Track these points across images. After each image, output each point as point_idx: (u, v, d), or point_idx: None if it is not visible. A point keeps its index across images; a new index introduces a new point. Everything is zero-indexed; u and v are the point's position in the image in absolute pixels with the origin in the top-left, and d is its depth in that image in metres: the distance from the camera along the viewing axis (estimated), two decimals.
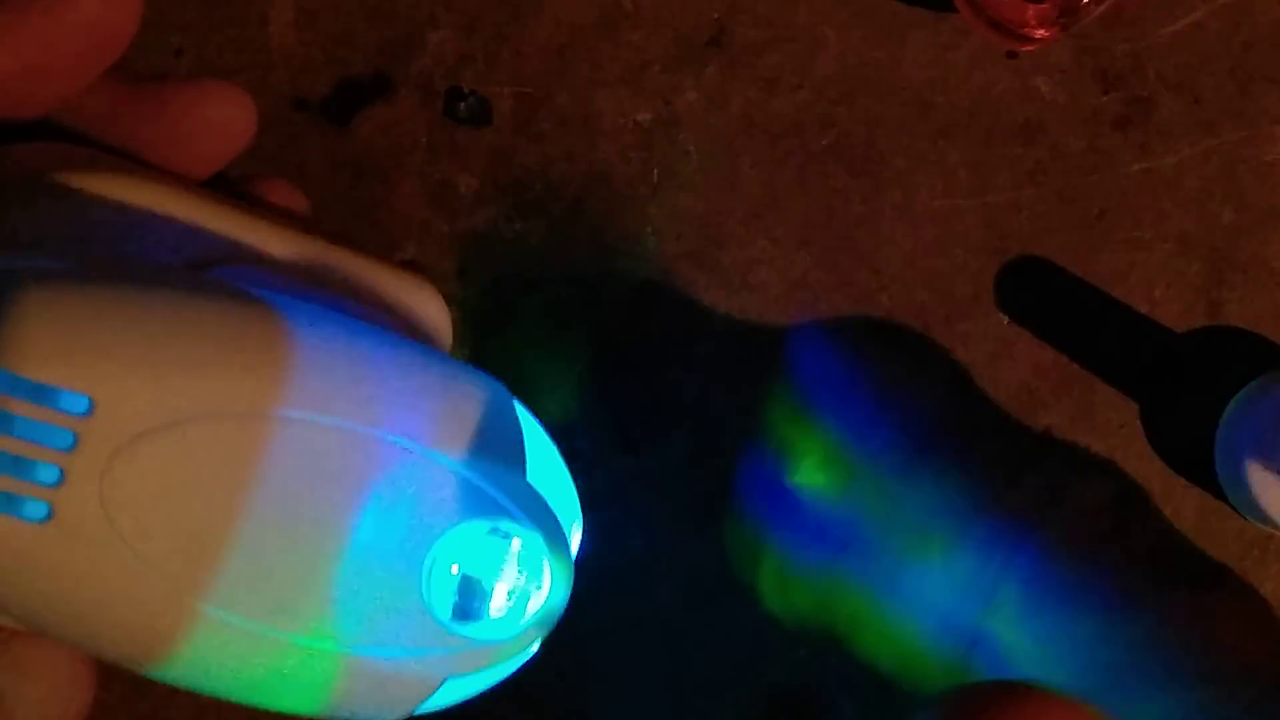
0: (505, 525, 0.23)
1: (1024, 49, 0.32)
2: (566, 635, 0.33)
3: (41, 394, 0.19)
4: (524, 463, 0.23)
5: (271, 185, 0.27)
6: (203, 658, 0.21)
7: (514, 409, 0.24)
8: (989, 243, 0.33)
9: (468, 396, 0.23)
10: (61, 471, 0.19)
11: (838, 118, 0.33)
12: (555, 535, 0.23)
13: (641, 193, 0.33)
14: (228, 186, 0.26)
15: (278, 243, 0.25)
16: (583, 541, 0.25)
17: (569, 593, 0.23)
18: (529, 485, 0.23)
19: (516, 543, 0.23)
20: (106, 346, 0.20)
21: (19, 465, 0.19)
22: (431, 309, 0.27)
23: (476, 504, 0.22)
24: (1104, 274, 0.33)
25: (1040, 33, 0.31)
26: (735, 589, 0.33)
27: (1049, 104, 0.33)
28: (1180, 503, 0.33)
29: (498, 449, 0.23)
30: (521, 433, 0.23)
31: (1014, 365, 0.33)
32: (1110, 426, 0.33)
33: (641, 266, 0.33)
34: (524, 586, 0.23)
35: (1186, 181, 0.33)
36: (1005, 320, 0.33)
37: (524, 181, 0.33)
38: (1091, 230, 0.33)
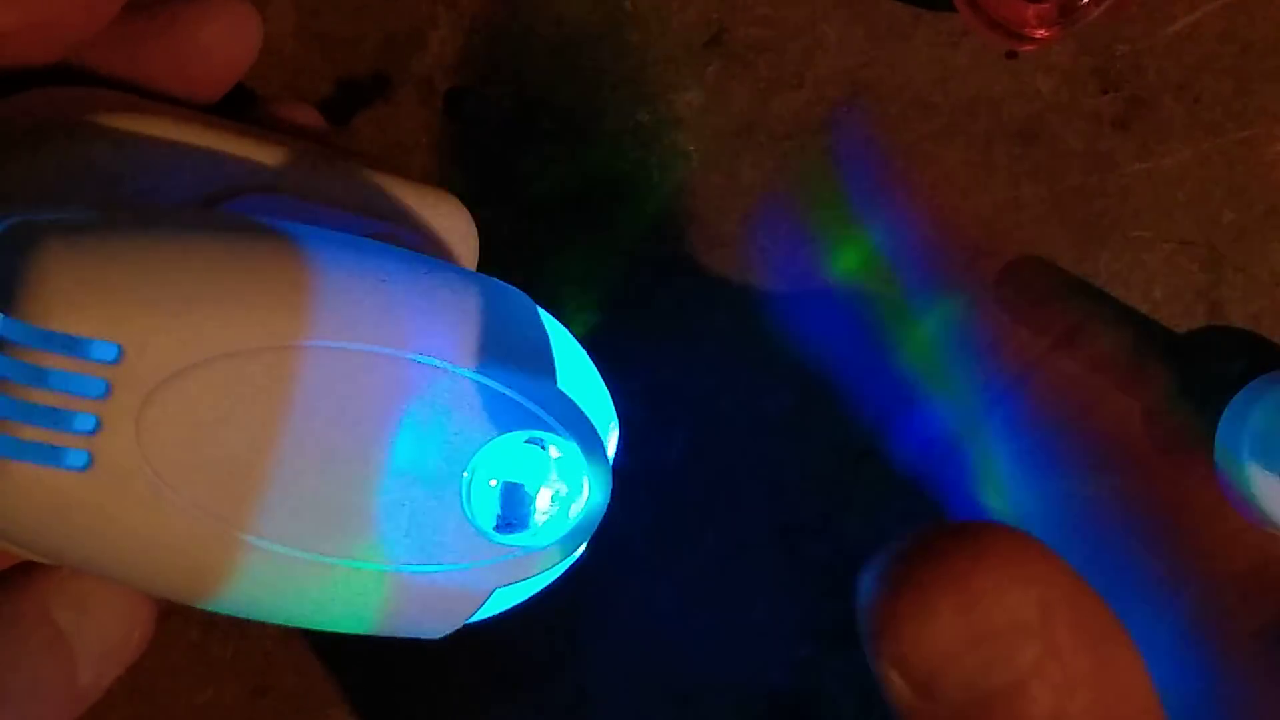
0: (540, 435, 0.23)
1: (1024, 49, 0.32)
2: (565, 635, 0.33)
3: (71, 345, 0.19)
4: (554, 371, 0.23)
5: (286, 107, 0.27)
6: (252, 588, 0.21)
7: (539, 318, 0.24)
8: (989, 243, 0.33)
9: (492, 310, 0.23)
10: (97, 419, 0.20)
11: (838, 118, 0.33)
12: (591, 441, 0.23)
13: (642, 192, 0.33)
14: (243, 112, 0.27)
15: (296, 165, 0.25)
16: (619, 443, 0.25)
17: (609, 496, 0.24)
18: (561, 393, 0.23)
19: (554, 451, 0.23)
20: (130, 293, 0.20)
21: (57, 417, 0.19)
22: (455, 221, 0.27)
23: (510, 416, 0.22)
24: (1104, 274, 0.33)
25: (1040, 33, 0.31)
26: (735, 589, 0.33)
27: (1049, 104, 0.33)
28: None
29: (526, 359, 0.23)
30: (549, 341, 0.23)
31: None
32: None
33: (641, 266, 0.33)
34: (565, 493, 0.23)
35: (1186, 181, 0.33)
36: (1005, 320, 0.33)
37: (524, 181, 0.33)
38: (1091, 230, 0.33)
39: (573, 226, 0.33)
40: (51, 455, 0.19)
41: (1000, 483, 0.23)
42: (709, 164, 0.33)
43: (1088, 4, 0.31)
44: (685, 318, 0.33)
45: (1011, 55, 0.33)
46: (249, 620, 0.33)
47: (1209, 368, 0.33)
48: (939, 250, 0.24)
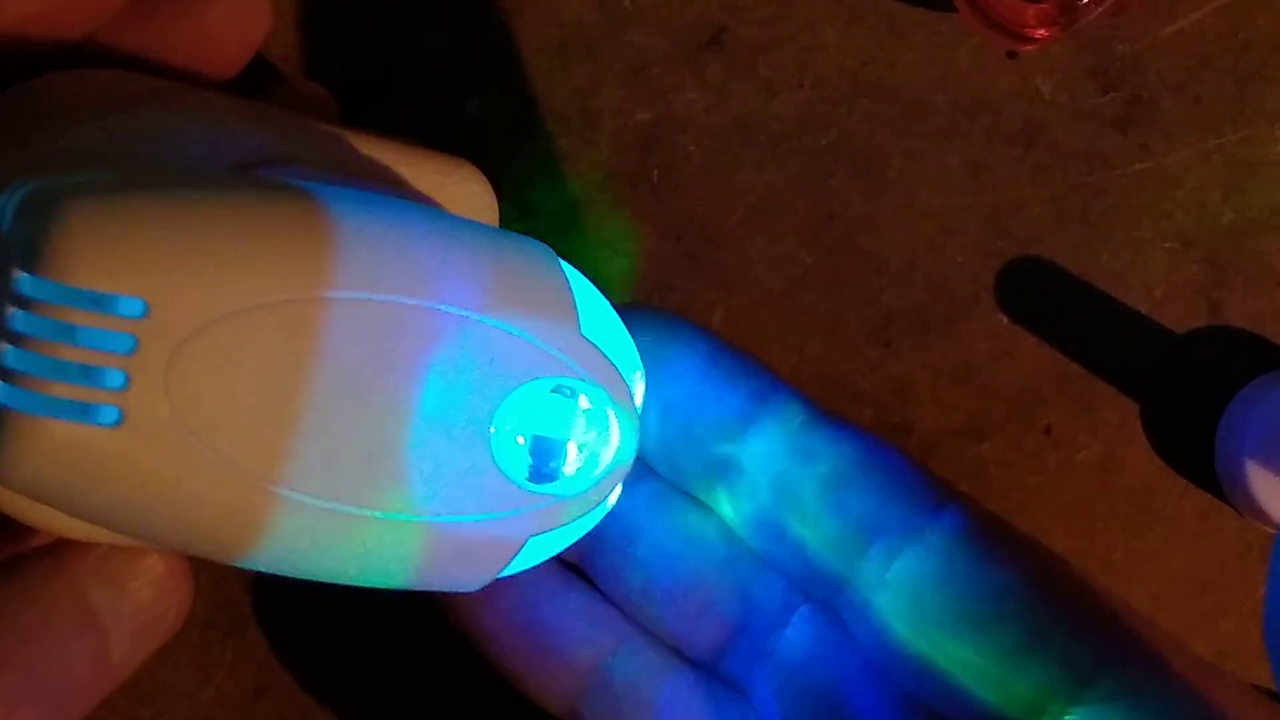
0: (567, 381, 0.23)
1: (1024, 49, 0.32)
2: None
3: (97, 302, 0.19)
4: (576, 319, 0.23)
5: (300, 86, 0.27)
6: (286, 542, 0.21)
7: (560, 268, 0.24)
8: (989, 243, 0.33)
9: (513, 260, 0.23)
10: (126, 375, 0.20)
11: (838, 118, 0.33)
12: (616, 386, 0.23)
13: (641, 193, 0.33)
14: (258, 90, 0.27)
15: (313, 139, 0.25)
16: (646, 391, 0.25)
17: (637, 441, 0.24)
18: (584, 339, 0.23)
19: (583, 400, 0.23)
20: (154, 248, 0.20)
21: (86, 373, 0.19)
22: (475, 189, 0.27)
23: (536, 363, 0.22)
24: (1104, 274, 0.33)
25: (1040, 33, 0.31)
26: None
27: (1049, 104, 0.33)
28: (1180, 503, 0.33)
29: (549, 307, 0.23)
30: (571, 290, 0.23)
31: (1014, 365, 0.33)
32: (1110, 426, 0.33)
33: (642, 266, 0.33)
34: (594, 440, 0.23)
35: (1186, 181, 0.33)
36: (1005, 320, 0.33)
37: (525, 181, 0.33)
38: (1091, 230, 0.33)
39: (573, 226, 0.33)
40: (82, 412, 0.19)
41: None
42: (709, 164, 0.33)
43: (1088, 4, 0.31)
44: (685, 317, 0.33)
45: (1012, 55, 0.33)
46: (249, 620, 0.33)
47: (1209, 368, 0.33)
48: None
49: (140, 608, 0.23)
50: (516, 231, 0.24)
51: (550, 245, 0.24)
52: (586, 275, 0.25)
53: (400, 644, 0.33)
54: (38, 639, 0.22)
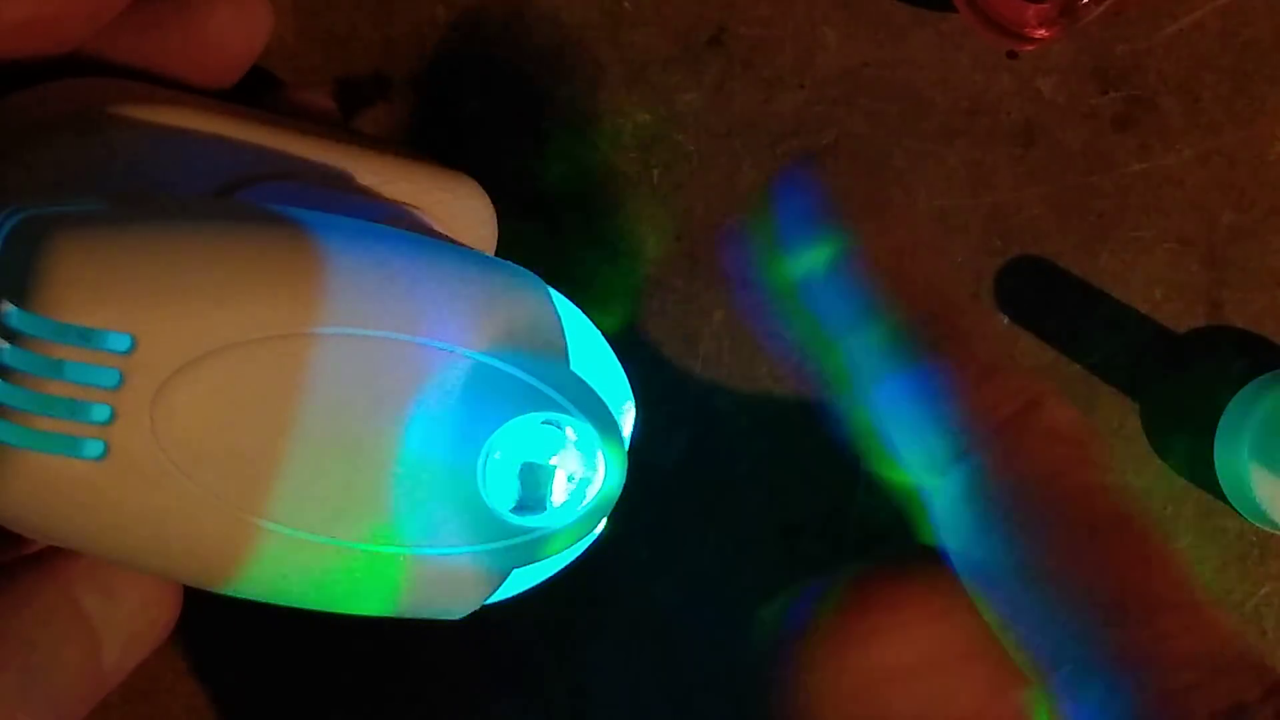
0: (554, 417, 0.23)
1: (1024, 49, 0.32)
2: (566, 633, 0.33)
3: (85, 337, 0.19)
4: (566, 352, 0.23)
5: (301, 91, 0.27)
6: (270, 572, 0.22)
7: (550, 300, 0.24)
8: (989, 243, 0.33)
9: (504, 293, 0.23)
10: (112, 409, 0.20)
11: (838, 118, 0.33)
12: (605, 421, 0.23)
13: (641, 193, 0.33)
14: (259, 97, 0.27)
15: (312, 151, 0.25)
16: (635, 424, 0.25)
17: (624, 475, 0.24)
18: (574, 374, 0.23)
19: (571, 433, 0.23)
20: (142, 284, 0.20)
21: (72, 407, 0.20)
22: (474, 205, 0.27)
23: (523, 399, 0.22)
24: (1104, 274, 0.33)
25: (1040, 33, 0.31)
26: (735, 589, 0.33)
27: (1049, 104, 0.33)
28: (1180, 503, 0.33)
29: (539, 342, 0.23)
30: (561, 323, 0.23)
31: (1014, 365, 0.33)
32: (1110, 426, 0.33)
33: (641, 266, 0.33)
34: (581, 473, 0.23)
35: (1186, 181, 0.33)
36: (1005, 320, 0.33)
37: (525, 181, 0.33)
38: (1091, 230, 0.33)
39: (573, 226, 0.33)
40: (68, 445, 0.20)
41: (955, 539, 0.23)
42: (709, 164, 0.33)
43: (1088, 4, 0.31)
44: (685, 318, 0.33)
45: (1012, 55, 0.33)
46: (249, 620, 0.33)
47: (1209, 368, 0.33)
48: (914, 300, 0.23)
49: (132, 614, 0.24)
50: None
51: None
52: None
53: (401, 644, 0.33)
54: (31, 645, 0.22)
